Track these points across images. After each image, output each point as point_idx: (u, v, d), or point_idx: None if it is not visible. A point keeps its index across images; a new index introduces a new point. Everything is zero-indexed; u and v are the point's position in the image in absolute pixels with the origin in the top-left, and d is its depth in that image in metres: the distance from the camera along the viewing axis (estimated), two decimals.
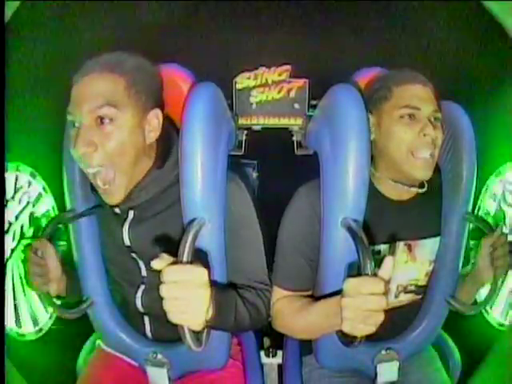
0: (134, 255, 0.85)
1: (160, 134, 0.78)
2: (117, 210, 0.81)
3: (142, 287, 0.87)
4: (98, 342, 1.00)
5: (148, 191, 0.79)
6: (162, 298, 0.63)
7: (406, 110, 0.81)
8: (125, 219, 0.83)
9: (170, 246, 0.78)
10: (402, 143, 0.82)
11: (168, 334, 0.84)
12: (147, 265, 0.84)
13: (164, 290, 0.58)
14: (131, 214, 0.83)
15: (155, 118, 0.77)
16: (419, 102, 0.81)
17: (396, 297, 0.92)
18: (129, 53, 0.76)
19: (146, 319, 0.90)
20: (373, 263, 0.66)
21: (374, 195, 0.86)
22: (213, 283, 0.68)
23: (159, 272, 0.74)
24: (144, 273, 0.86)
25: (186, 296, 0.59)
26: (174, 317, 0.59)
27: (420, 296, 0.94)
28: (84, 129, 0.71)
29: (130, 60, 0.74)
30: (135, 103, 0.73)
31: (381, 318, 0.63)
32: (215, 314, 0.67)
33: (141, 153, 0.76)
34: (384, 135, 0.84)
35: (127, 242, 0.84)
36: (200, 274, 0.60)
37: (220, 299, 0.70)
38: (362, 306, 0.62)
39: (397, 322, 0.90)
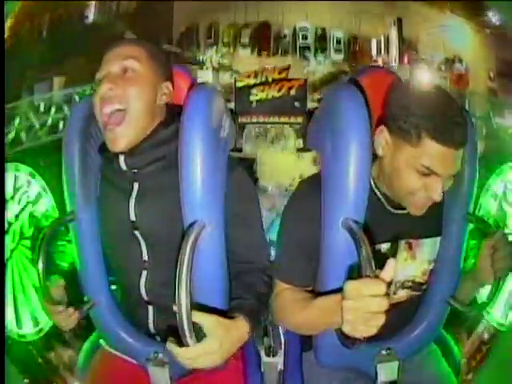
0: (136, 233, 0.86)
1: (169, 103, 0.86)
2: (123, 166, 0.82)
3: (145, 273, 0.88)
4: (101, 341, 1.00)
5: (152, 150, 0.82)
6: (165, 285, 0.79)
7: (425, 170, 0.76)
8: (130, 193, 0.85)
9: (174, 225, 0.80)
10: (406, 186, 0.79)
11: (170, 325, 0.85)
12: (149, 246, 0.86)
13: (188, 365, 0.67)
14: (136, 186, 0.85)
15: (167, 89, 0.85)
16: (443, 168, 0.76)
17: (394, 293, 0.92)
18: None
19: (150, 309, 0.90)
20: (373, 264, 0.66)
21: (374, 196, 0.86)
22: (243, 307, 0.77)
23: (161, 255, 0.85)
24: (145, 256, 0.87)
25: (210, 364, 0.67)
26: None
27: (417, 292, 0.94)
28: (110, 74, 0.80)
29: (150, 43, 0.88)
30: (153, 68, 0.83)
31: (382, 319, 0.62)
32: (251, 333, 0.75)
33: (151, 108, 0.82)
34: (393, 168, 0.81)
35: (133, 216, 0.85)
36: (212, 352, 0.66)
37: (252, 322, 0.75)
38: (363, 308, 0.62)
39: (395, 319, 0.90)
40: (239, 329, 0.73)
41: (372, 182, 0.86)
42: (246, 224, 0.86)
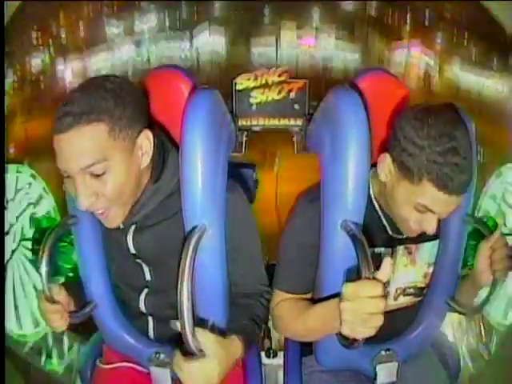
0: (139, 261, 0.86)
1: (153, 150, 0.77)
2: (120, 225, 0.81)
3: (146, 291, 0.88)
4: (97, 362, 0.99)
5: (148, 206, 0.80)
6: (166, 302, 0.81)
7: (423, 209, 0.76)
8: (127, 230, 0.84)
9: (176, 251, 0.78)
10: (402, 216, 0.80)
11: (170, 334, 0.85)
12: (152, 269, 0.86)
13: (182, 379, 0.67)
14: (133, 226, 0.83)
15: (146, 140, 0.75)
16: (440, 209, 0.75)
17: (395, 299, 0.92)
18: (101, 78, 0.72)
19: (150, 319, 0.90)
20: (372, 266, 0.66)
21: (372, 202, 0.86)
22: (239, 329, 0.77)
23: (164, 277, 0.83)
24: (148, 277, 0.87)
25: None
26: None
27: (419, 298, 0.94)
28: (80, 183, 0.70)
29: (105, 94, 0.69)
30: (123, 141, 0.71)
31: (380, 320, 0.63)
32: (244, 354, 0.75)
33: (137, 181, 0.76)
34: (392, 198, 0.80)
35: (132, 250, 0.85)
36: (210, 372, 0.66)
37: (246, 343, 0.75)
38: (361, 309, 0.62)
39: (396, 323, 0.90)
40: (234, 349, 0.73)
41: (374, 200, 0.87)
42: (242, 253, 0.85)
